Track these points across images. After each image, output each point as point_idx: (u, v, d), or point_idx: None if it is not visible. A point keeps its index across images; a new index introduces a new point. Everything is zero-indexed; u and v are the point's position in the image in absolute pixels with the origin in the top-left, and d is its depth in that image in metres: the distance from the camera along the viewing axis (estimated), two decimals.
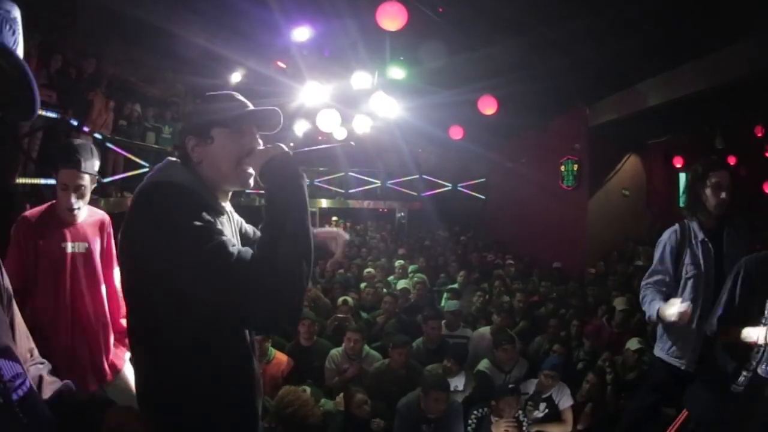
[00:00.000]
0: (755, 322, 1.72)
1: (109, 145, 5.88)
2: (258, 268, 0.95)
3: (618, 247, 8.09)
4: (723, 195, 2.16)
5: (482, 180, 11.50)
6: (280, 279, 0.95)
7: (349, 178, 11.71)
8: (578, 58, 5.75)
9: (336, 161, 10.76)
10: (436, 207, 11.22)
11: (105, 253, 2.06)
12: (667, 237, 2.34)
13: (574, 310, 4.73)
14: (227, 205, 1.22)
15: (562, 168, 8.44)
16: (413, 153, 12.19)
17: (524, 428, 2.92)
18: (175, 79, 8.23)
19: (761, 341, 1.63)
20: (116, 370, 2.07)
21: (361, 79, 6.30)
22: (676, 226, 2.34)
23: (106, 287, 2.06)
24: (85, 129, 5.25)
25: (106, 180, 5.68)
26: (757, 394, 1.63)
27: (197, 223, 0.97)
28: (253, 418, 1.16)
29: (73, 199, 1.89)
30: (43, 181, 4.32)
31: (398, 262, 7.00)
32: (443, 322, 4.03)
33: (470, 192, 11.73)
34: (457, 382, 3.36)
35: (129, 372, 2.08)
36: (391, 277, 6.54)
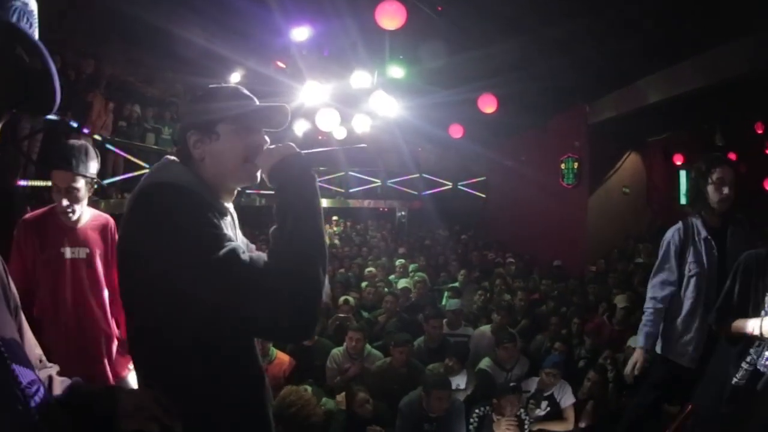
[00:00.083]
0: (754, 316, 1.72)
1: (108, 146, 5.87)
2: (275, 277, 0.90)
3: (618, 245, 8.07)
4: (726, 191, 2.16)
5: (482, 179, 11.46)
6: (296, 288, 0.91)
7: (349, 177, 11.66)
8: (578, 56, 5.74)
9: (336, 161, 10.75)
10: (436, 206, 11.17)
11: (111, 257, 2.00)
12: (671, 235, 2.34)
13: (575, 308, 4.73)
14: (230, 206, 1.15)
15: (563, 166, 8.42)
16: (413, 152, 12.14)
17: (526, 426, 2.92)
18: (175, 79, 8.23)
19: (756, 332, 1.64)
20: (119, 379, 2.04)
21: (360, 78, 6.28)
22: (680, 224, 2.34)
23: (111, 293, 2.02)
24: (86, 131, 5.25)
25: (106, 181, 5.67)
26: (757, 388, 1.64)
27: (204, 227, 0.92)
28: (261, 420, 1.10)
29: (65, 202, 1.83)
30: (43, 183, 4.32)
31: (399, 261, 7.01)
32: (444, 320, 4.04)
33: (470, 191, 11.69)
34: (459, 381, 3.37)
35: (132, 380, 2.04)
36: (391, 276, 6.55)
